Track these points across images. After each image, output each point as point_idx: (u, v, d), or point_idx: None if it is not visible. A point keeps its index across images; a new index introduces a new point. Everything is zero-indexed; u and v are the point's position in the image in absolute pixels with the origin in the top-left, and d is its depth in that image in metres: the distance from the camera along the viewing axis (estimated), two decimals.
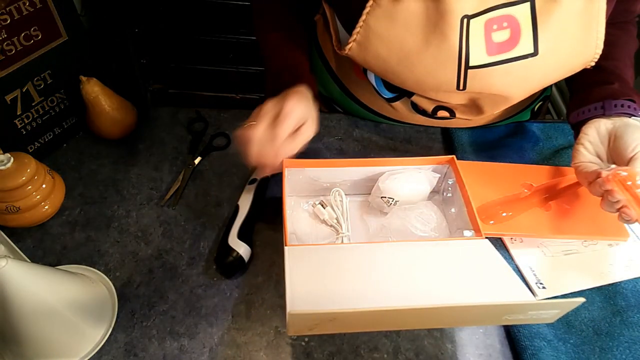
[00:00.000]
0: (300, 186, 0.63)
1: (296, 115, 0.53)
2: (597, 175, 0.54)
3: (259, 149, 0.53)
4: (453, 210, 0.61)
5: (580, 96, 0.63)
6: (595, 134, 0.58)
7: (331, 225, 0.61)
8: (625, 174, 0.52)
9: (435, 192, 0.64)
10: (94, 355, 0.51)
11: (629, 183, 0.51)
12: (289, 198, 0.63)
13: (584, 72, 0.61)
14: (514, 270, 0.58)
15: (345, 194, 0.62)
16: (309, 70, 0.66)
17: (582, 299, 0.39)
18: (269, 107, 0.54)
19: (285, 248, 0.52)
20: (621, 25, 0.64)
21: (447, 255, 0.52)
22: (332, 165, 0.60)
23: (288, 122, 0.53)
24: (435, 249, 0.53)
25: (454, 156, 0.60)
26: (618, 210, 0.52)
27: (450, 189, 0.62)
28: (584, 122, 0.60)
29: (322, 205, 0.61)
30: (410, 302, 0.39)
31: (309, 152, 0.58)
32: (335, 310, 0.39)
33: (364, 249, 0.54)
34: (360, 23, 0.56)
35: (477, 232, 0.55)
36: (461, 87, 0.58)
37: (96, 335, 0.51)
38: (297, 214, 0.63)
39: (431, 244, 0.54)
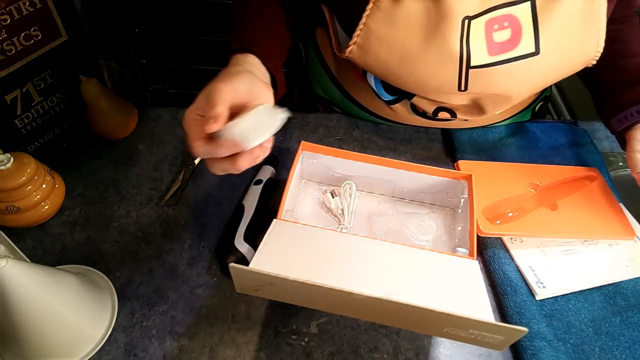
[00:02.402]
0: (314, 172, 0.63)
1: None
2: None
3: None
4: (459, 228, 0.60)
5: (614, 100, 0.62)
6: None
7: (335, 216, 0.61)
8: None
9: (446, 206, 0.64)
10: (94, 355, 0.51)
11: None
12: (301, 180, 0.64)
13: (606, 74, 0.60)
14: (514, 270, 0.58)
15: (358, 189, 0.62)
16: (281, 61, 0.60)
17: (525, 329, 0.37)
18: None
19: (274, 220, 0.53)
20: (625, 19, 0.64)
21: (428, 265, 0.51)
22: (347, 157, 0.61)
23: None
24: (419, 256, 0.52)
25: (472, 174, 0.59)
26: None
27: (462, 206, 0.61)
28: (630, 127, 0.59)
29: (331, 195, 0.62)
30: (356, 289, 0.38)
31: None
32: (273, 274, 0.40)
33: (348, 240, 0.54)
34: (360, 26, 0.56)
35: (471, 253, 0.54)
36: (462, 88, 0.58)
37: (96, 335, 0.51)
38: (303, 196, 0.63)
39: (418, 251, 0.53)
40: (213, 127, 0.43)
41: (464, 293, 0.47)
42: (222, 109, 0.44)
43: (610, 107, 0.63)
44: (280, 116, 0.46)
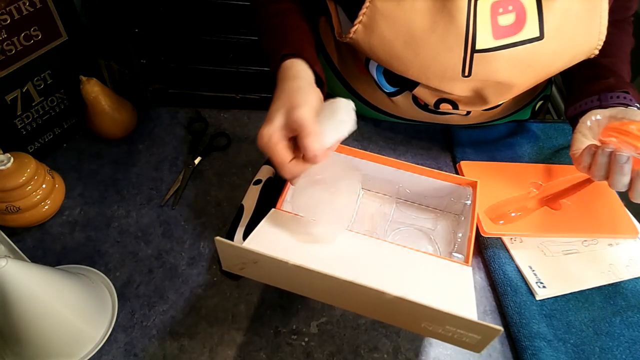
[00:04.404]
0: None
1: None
2: (591, 148, 0.53)
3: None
4: (460, 234, 0.60)
5: (577, 92, 0.63)
6: (593, 121, 0.58)
7: None
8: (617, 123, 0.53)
9: (450, 212, 0.63)
10: (94, 355, 0.51)
11: (625, 129, 0.52)
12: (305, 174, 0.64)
13: (580, 69, 0.62)
14: (514, 270, 0.58)
15: (363, 188, 0.62)
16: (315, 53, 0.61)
17: (500, 329, 0.37)
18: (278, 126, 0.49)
19: (272, 210, 0.53)
20: (617, 24, 0.65)
21: (420, 266, 0.51)
22: (355, 154, 0.61)
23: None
24: (413, 257, 0.52)
25: (477, 181, 0.59)
26: (630, 183, 0.50)
27: (465, 212, 0.61)
28: (581, 114, 0.60)
29: None
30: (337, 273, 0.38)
31: None
32: (255, 251, 0.40)
33: (343, 235, 0.54)
34: (367, 4, 0.56)
35: (467, 259, 0.53)
36: (466, 73, 0.58)
37: (96, 335, 0.51)
38: (306, 190, 0.63)
39: (413, 252, 0.53)
40: (318, 149, 0.47)
41: (451, 296, 0.47)
42: (316, 130, 0.47)
43: (573, 97, 0.64)
44: (349, 109, 0.51)
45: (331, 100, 0.52)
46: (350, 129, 0.51)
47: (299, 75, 0.53)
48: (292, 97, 0.50)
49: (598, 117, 0.56)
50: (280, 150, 0.48)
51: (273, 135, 0.48)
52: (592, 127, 0.58)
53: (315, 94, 0.51)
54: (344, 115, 0.50)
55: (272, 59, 0.58)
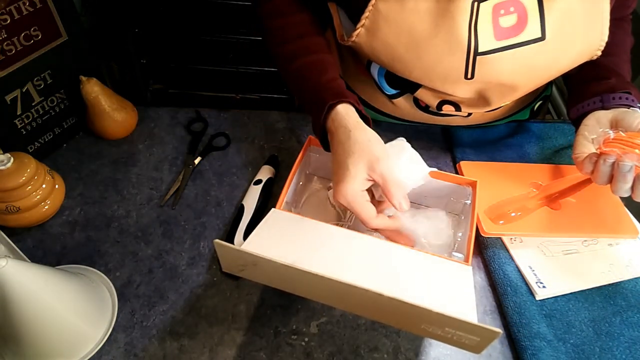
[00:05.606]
0: (319, 166, 0.63)
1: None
2: (592, 157, 0.54)
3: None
4: (460, 234, 0.60)
5: (578, 92, 0.63)
6: (595, 123, 0.59)
7: (337, 211, 0.61)
8: (624, 134, 0.54)
9: (451, 212, 0.63)
10: (94, 355, 0.51)
11: (631, 141, 0.52)
12: (305, 175, 0.64)
13: (581, 69, 0.62)
14: (514, 270, 0.58)
15: None
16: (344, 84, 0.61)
17: (500, 331, 0.37)
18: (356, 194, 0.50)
19: (272, 209, 0.54)
20: (616, 23, 0.65)
21: (420, 265, 0.51)
22: None
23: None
24: (413, 256, 0.52)
25: (477, 181, 0.59)
26: (632, 187, 0.51)
27: (465, 211, 0.61)
28: (584, 116, 0.60)
29: None
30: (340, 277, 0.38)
31: None
32: (255, 253, 0.40)
33: (343, 234, 0.54)
34: (370, 7, 0.56)
35: (467, 259, 0.53)
36: (469, 76, 0.58)
37: (96, 335, 0.51)
38: (306, 190, 0.63)
39: (412, 252, 0.53)
40: (404, 201, 0.50)
41: (451, 296, 0.47)
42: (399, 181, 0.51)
43: (574, 97, 0.64)
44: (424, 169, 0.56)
45: (395, 144, 0.55)
46: (425, 173, 0.56)
47: (360, 125, 0.54)
48: (369, 151, 0.51)
49: (600, 130, 0.57)
50: (367, 207, 0.50)
51: (358, 192, 0.50)
52: (593, 131, 0.58)
53: (382, 143, 0.53)
54: (416, 159, 0.55)
55: (314, 108, 0.57)
